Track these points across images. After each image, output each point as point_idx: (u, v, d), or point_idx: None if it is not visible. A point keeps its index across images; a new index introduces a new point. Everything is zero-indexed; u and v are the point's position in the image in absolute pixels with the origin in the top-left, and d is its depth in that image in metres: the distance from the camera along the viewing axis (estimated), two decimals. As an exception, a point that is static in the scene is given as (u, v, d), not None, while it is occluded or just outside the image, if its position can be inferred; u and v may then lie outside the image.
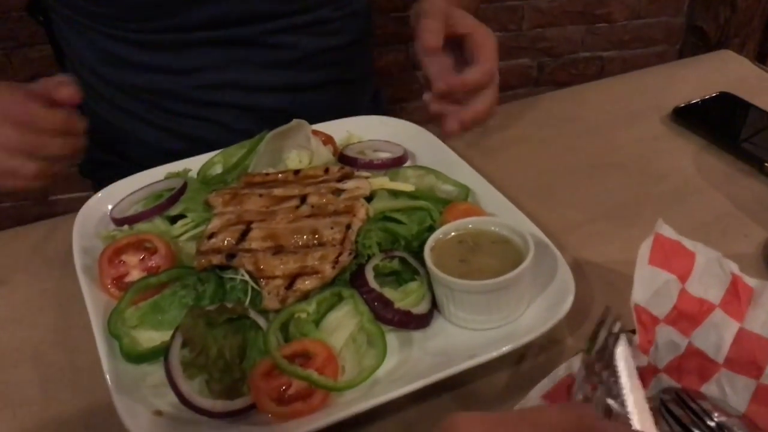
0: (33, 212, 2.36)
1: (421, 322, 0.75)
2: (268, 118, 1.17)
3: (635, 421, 0.55)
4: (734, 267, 0.67)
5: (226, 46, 1.10)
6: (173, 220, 0.87)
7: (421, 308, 0.76)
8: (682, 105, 1.12)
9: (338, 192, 0.82)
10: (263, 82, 1.15)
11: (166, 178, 0.94)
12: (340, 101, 1.25)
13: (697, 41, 2.33)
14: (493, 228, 0.79)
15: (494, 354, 0.69)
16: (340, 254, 0.75)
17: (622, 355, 0.59)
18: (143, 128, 1.19)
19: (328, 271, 0.74)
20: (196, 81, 1.12)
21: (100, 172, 1.29)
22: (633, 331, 0.64)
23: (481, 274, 0.73)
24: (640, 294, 0.65)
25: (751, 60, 1.27)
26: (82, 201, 0.92)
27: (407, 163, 0.97)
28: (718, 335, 0.65)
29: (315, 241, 0.77)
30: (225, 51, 1.11)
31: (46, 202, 2.35)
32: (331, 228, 0.77)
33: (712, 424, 0.60)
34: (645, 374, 0.65)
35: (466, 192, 0.90)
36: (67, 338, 0.80)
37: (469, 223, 0.80)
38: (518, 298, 0.74)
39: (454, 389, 0.71)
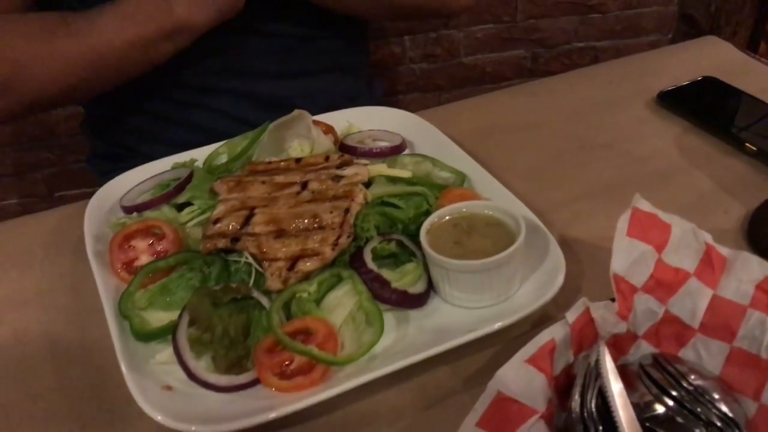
0: (39, 209, 2.40)
1: (417, 301, 0.78)
2: (266, 105, 1.20)
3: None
4: (708, 237, 0.71)
5: (224, 33, 1.14)
6: (180, 207, 0.91)
7: (418, 288, 0.79)
8: (667, 89, 1.15)
9: (337, 178, 0.86)
10: (260, 68, 1.19)
11: (173, 168, 0.98)
12: (337, 88, 1.29)
13: (688, 30, 2.37)
14: (486, 211, 0.83)
15: (490, 329, 0.72)
16: (339, 237, 0.79)
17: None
18: (144, 118, 1.23)
19: (328, 252, 0.78)
20: (194, 67, 1.16)
21: (104, 165, 1.33)
22: (613, 299, 0.68)
23: (475, 255, 0.76)
24: (618, 264, 0.68)
25: (737, 46, 1.31)
26: (88, 197, 0.96)
27: (405, 152, 1.01)
28: (693, 302, 0.69)
29: (315, 225, 0.80)
30: (222, 38, 1.14)
31: (51, 198, 2.40)
32: (331, 212, 0.81)
33: (688, 386, 0.64)
34: (625, 341, 0.69)
35: (462, 178, 0.94)
36: (78, 319, 0.84)
37: (464, 207, 0.83)
38: (511, 276, 0.78)
39: (450, 363, 0.74)
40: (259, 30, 1.16)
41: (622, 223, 0.70)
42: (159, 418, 0.66)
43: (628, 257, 0.69)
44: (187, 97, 1.20)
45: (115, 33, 0.99)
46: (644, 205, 0.72)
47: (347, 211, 0.81)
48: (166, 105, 1.21)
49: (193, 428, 0.65)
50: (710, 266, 0.70)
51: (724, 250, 0.71)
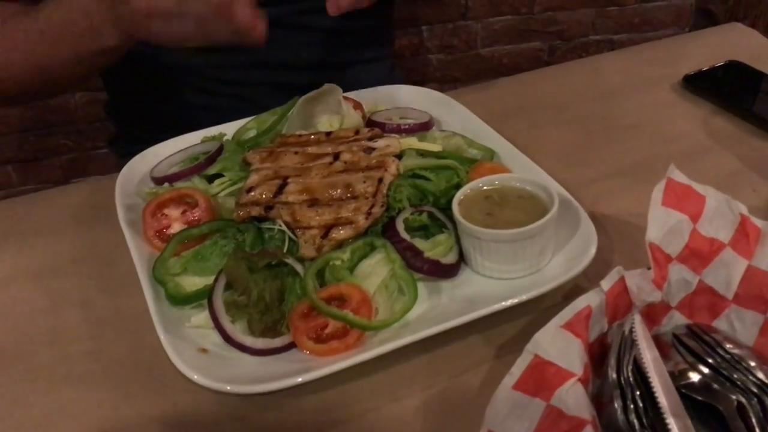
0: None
1: (449, 271, 0.79)
2: (296, 95, 1.23)
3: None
4: (743, 208, 0.71)
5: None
6: (210, 180, 0.92)
7: (449, 259, 0.79)
8: (692, 73, 1.16)
9: (369, 150, 0.87)
10: (291, 60, 1.21)
11: (203, 141, 0.99)
12: (364, 77, 1.31)
13: (706, 23, 2.37)
14: (518, 184, 0.83)
15: (522, 298, 0.73)
16: (372, 206, 0.79)
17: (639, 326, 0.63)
18: (177, 108, 1.24)
19: (362, 221, 0.78)
20: (228, 60, 1.18)
21: (129, 148, 1.35)
22: (648, 268, 0.68)
23: (506, 226, 0.76)
24: (654, 233, 0.68)
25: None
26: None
27: (433, 129, 1.02)
28: (727, 272, 0.69)
29: (348, 195, 0.81)
30: None
31: (67, 185, 2.41)
32: (364, 182, 0.81)
33: (724, 354, 0.64)
34: (658, 311, 0.69)
35: (491, 154, 0.94)
36: (112, 285, 0.84)
37: (496, 179, 0.84)
38: (543, 248, 0.78)
39: (482, 332, 0.75)
40: (293, 24, 1.18)
41: (657, 192, 0.71)
42: (195, 377, 0.66)
43: (663, 226, 0.69)
44: (219, 89, 1.22)
45: (52, 45, 0.96)
46: (679, 176, 0.72)
47: (380, 181, 0.81)
48: (199, 96, 1.22)
49: (228, 387, 0.66)
50: (745, 237, 0.70)
51: (758, 222, 0.71)
